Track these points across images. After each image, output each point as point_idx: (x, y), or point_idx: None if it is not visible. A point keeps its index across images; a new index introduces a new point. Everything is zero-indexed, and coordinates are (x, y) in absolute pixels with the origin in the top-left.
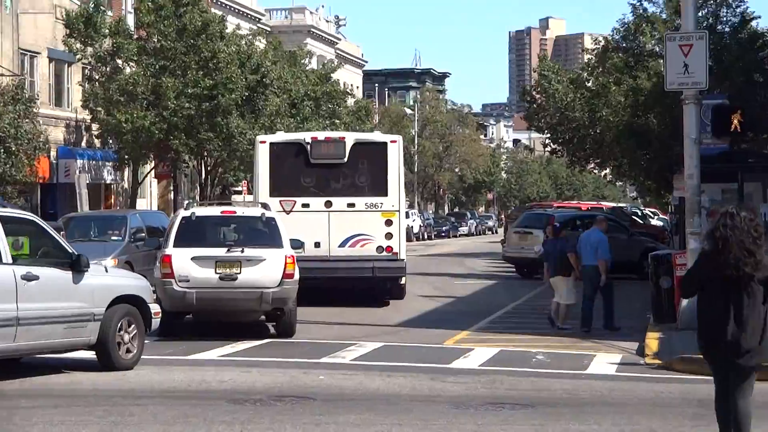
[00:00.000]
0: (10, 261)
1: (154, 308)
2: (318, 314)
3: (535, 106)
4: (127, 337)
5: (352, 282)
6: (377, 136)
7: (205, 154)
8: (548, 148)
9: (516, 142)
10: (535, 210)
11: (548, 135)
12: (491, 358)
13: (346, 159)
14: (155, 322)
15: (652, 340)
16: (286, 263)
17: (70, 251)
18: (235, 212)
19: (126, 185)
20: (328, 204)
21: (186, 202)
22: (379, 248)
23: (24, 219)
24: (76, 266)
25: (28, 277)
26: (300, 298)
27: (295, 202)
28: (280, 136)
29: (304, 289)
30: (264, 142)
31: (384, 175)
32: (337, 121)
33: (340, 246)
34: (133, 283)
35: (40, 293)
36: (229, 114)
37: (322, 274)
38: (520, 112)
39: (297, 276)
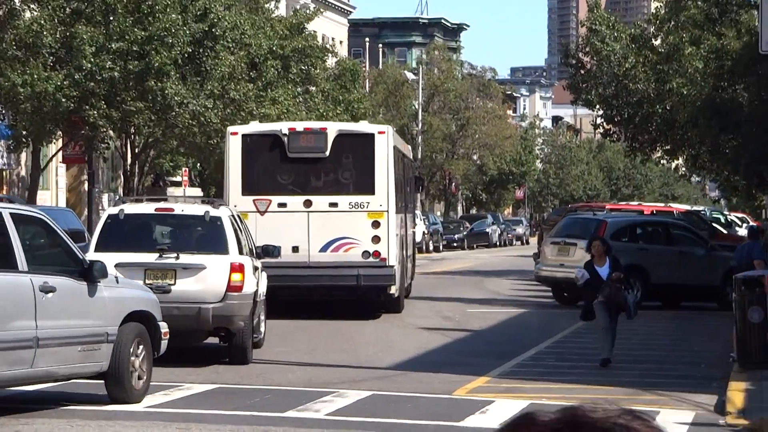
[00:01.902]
0: (26, 269)
1: (163, 327)
2: (287, 340)
3: (582, 72)
4: (137, 363)
5: (334, 291)
6: (363, 127)
7: (133, 130)
8: (600, 130)
9: (556, 120)
10: (580, 213)
11: (600, 111)
12: None
13: (327, 153)
14: (164, 344)
15: (736, 393)
16: (231, 273)
17: (81, 257)
18: (172, 210)
19: (23, 172)
20: (308, 203)
21: (116, 197)
22: (365, 253)
23: (33, 217)
24: (90, 276)
25: (46, 289)
26: (274, 313)
27: (271, 201)
28: (254, 127)
29: (281, 302)
30: (235, 133)
31: (371, 170)
32: (313, 89)
33: (321, 251)
34: (142, 296)
35: (58, 308)
36: (166, 77)
37: (300, 282)
38: (563, 79)
39: (249, 289)
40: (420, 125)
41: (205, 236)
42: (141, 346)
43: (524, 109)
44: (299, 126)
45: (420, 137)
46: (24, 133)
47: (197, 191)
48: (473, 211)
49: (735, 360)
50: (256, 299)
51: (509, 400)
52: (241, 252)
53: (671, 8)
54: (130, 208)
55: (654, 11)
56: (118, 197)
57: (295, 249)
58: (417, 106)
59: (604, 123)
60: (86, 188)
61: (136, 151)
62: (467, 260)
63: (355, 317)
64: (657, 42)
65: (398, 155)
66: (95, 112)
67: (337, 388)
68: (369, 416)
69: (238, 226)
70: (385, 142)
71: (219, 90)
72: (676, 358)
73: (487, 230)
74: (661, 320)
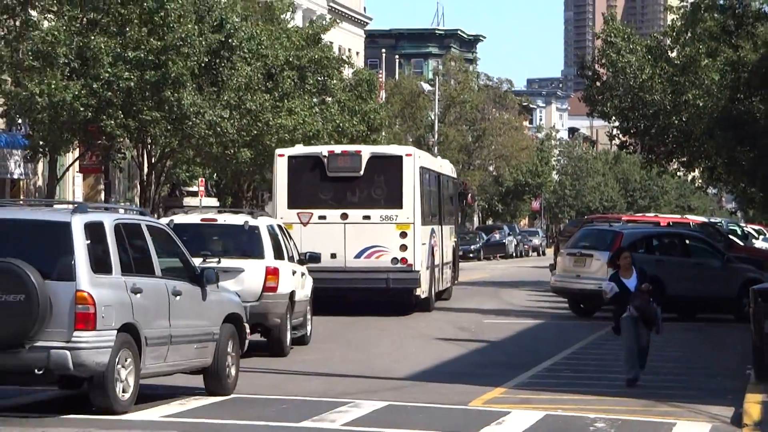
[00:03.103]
0: (160, 274)
1: (247, 327)
2: (303, 350)
3: (598, 84)
4: (230, 360)
5: (367, 292)
6: (393, 150)
7: (149, 140)
8: (616, 141)
9: (573, 131)
10: (596, 224)
11: (616, 123)
12: (534, 426)
13: (362, 172)
14: (246, 342)
15: (753, 405)
16: (267, 275)
17: (193, 264)
18: (216, 220)
19: (40, 181)
20: (344, 216)
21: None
22: (394, 260)
23: (158, 228)
24: (201, 281)
25: (176, 292)
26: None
27: (312, 214)
28: (298, 150)
29: (320, 301)
30: (282, 155)
31: (399, 187)
32: (329, 99)
33: (355, 257)
34: (234, 300)
35: (183, 310)
36: (182, 87)
37: (337, 284)
38: (579, 90)
39: (284, 290)
40: (436, 136)
41: (244, 243)
42: (233, 345)
43: (540, 120)
44: (337, 149)
45: (436, 148)
46: (41, 143)
47: (213, 201)
48: (489, 222)
49: (750, 373)
50: (293, 299)
51: (525, 411)
52: (280, 257)
53: (687, 20)
54: (179, 218)
55: (670, 23)
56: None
57: (333, 255)
58: (433, 117)
59: (620, 135)
60: (102, 198)
61: (153, 160)
62: (483, 271)
63: (388, 314)
64: (673, 54)
65: (428, 174)
66: (112, 122)
67: (353, 398)
68: (384, 427)
69: (279, 235)
70: (412, 163)
71: (235, 100)
72: (693, 370)
73: (504, 241)
74: (678, 332)
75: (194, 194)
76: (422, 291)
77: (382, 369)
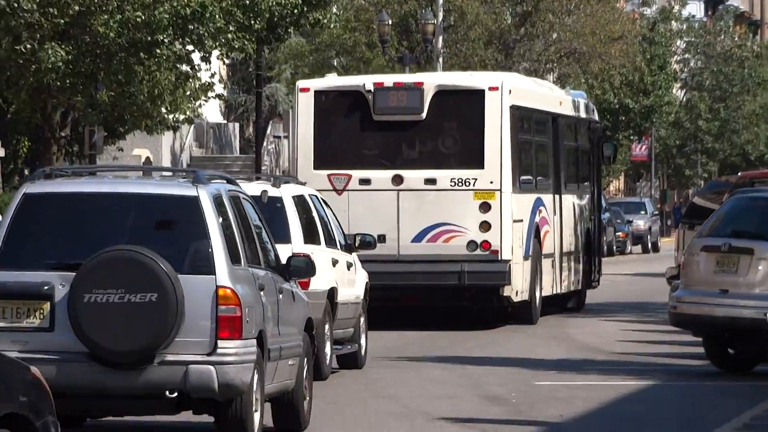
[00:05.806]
0: (264, 264)
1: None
2: None
3: None
4: (306, 384)
5: (432, 293)
6: (469, 80)
7: None
8: None
9: (713, 4)
10: (761, 189)
11: None
12: None
13: (424, 114)
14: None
15: None
16: None
17: (275, 250)
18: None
19: None
20: (398, 180)
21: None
22: (472, 244)
23: (250, 201)
24: (284, 272)
25: (280, 290)
26: None
27: (351, 176)
28: (330, 81)
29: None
30: (306, 89)
31: (479, 137)
32: None
33: (414, 240)
34: (306, 298)
35: (285, 313)
36: None
37: (388, 281)
38: None
39: (319, 286)
40: (441, 16)
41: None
42: (308, 363)
43: None
44: (388, 80)
45: (440, 39)
46: None
47: None
48: None
49: None
50: (333, 300)
51: None
52: (313, 241)
53: None
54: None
55: None
56: None
57: (382, 238)
58: None
59: None
60: None
61: None
62: None
63: (461, 326)
64: None
65: (531, 116)
66: None
67: None
68: None
69: (314, 210)
70: (499, 101)
71: None
72: None
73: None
74: None
75: None
76: (515, 291)
77: None
